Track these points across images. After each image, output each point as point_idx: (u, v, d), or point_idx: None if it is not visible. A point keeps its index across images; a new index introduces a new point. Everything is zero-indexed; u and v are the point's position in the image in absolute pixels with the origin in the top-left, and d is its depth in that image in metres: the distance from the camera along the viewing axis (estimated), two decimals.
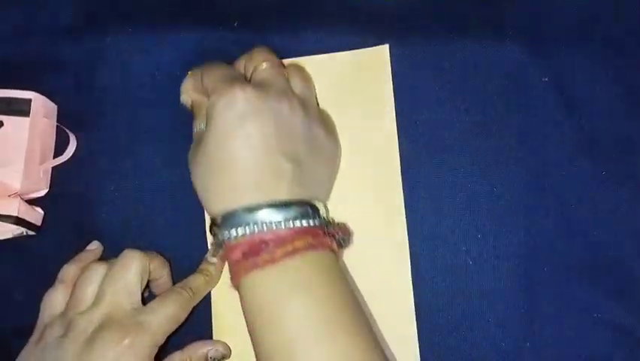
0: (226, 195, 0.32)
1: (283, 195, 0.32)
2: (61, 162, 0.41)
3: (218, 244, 0.33)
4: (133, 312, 0.33)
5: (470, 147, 0.40)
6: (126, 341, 0.32)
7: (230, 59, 0.40)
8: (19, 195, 0.39)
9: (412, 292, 0.38)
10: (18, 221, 0.38)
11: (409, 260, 0.39)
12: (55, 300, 0.36)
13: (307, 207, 0.33)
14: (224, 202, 0.32)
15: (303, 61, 0.40)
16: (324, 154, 0.36)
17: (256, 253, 0.31)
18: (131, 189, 0.41)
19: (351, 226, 0.38)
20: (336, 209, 0.38)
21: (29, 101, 0.39)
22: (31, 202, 0.40)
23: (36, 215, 0.40)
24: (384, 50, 0.40)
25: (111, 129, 0.41)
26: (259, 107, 0.32)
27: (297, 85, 0.36)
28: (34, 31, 0.43)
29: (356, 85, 0.40)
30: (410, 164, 0.40)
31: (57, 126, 0.42)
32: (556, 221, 0.39)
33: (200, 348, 0.37)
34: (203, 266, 0.38)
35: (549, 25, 0.41)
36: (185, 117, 0.40)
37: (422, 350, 0.38)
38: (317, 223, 0.33)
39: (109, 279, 0.34)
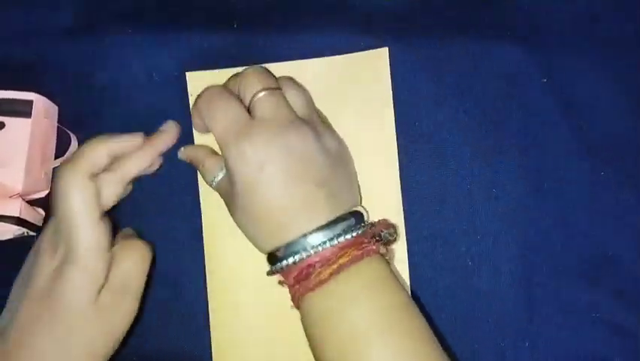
0: (272, 235, 0.33)
1: (323, 219, 0.33)
2: None
3: (275, 272, 0.34)
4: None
5: (469, 147, 0.40)
6: (58, 254, 0.33)
7: (229, 60, 0.40)
8: (21, 196, 0.39)
9: (411, 293, 0.38)
10: (19, 222, 0.38)
11: (407, 260, 0.39)
12: None
13: (349, 219, 0.33)
14: (272, 242, 0.33)
15: (304, 63, 0.40)
16: (343, 160, 0.36)
17: (306, 277, 0.32)
18: (131, 189, 0.41)
19: None
20: None
21: (31, 102, 0.39)
22: (33, 203, 0.40)
23: (37, 216, 0.40)
24: (383, 52, 0.40)
25: (111, 130, 0.41)
26: (271, 151, 0.33)
27: (295, 102, 0.35)
28: (35, 32, 0.43)
29: (355, 88, 0.40)
30: (409, 165, 0.40)
31: (58, 127, 0.42)
32: (555, 221, 0.39)
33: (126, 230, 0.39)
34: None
35: (548, 26, 0.41)
36: (184, 118, 0.41)
37: None
38: (359, 232, 0.33)
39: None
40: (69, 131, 0.41)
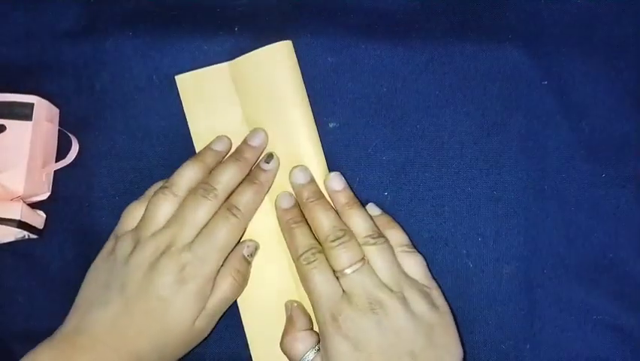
0: None
1: None
2: (63, 165, 0.41)
3: None
4: (190, 244, 0.35)
5: (470, 150, 0.40)
6: (184, 272, 0.35)
7: None
8: (22, 199, 0.39)
9: None
10: (20, 224, 0.38)
11: None
12: (134, 214, 0.38)
13: None
14: None
15: (221, 67, 0.40)
16: (439, 325, 0.35)
17: None
18: (132, 192, 0.41)
19: None
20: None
21: (32, 105, 0.39)
22: (34, 206, 0.40)
23: (38, 218, 0.40)
24: (287, 45, 0.39)
25: (111, 132, 0.42)
26: (363, 331, 0.34)
27: (381, 269, 0.36)
28: (36, 34, 0.43)
29: (266, 83, 0.39)
30: (411, 167, 0.40)
31: (59, 130, 0.42)
32: (556, 223, 0.39)
33: (234, 253, 0.38)
34: (254, 172, 0.38)
35: (549, 28, 0.41)
36: (184, 121, 0.41)
37: None
38: None
39: (180, 213, 0.36)
40: (70, 134, 0.41)
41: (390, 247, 0.37)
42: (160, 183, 0.38)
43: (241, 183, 0.38)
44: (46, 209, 0.41)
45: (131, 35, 0.42)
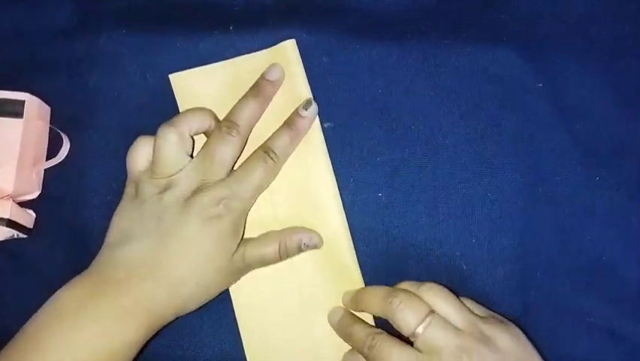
0: None
1: None
2: (54, 164, 0.41)
3: None
4: (225, 180, 0.36)
5: (464, 152, 0.40)
6: (220, 206, 0.35)
7: None
8: (11, 198, 0.38)
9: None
10: (10, 223, 0.38)
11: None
12: (141, 153, 0.37)
13: None
14: None
15: (217, 67, 0.40)
16: (523, 354, 0.34)
17: None
18: (123, 191, 0.40)
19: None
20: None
21: (23, 102, 0.39)
22: (23, 204, 0.40)
23: (28, 217, 0.40)
24: (291, 44, 0.40)
25: (103, 131, 0.41)
26: None
27: (451, 315, 0.34)
28: (28, 32, 0.43)
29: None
30: (405, 168, 0.40)
31: (50, 128, 0.41)
32: (550, 226, 0.39)
33: (296, 234, 0.38)
34: (291, 118, 0.38)
35: (544, 30, 0.41)
36: None
37: None
38: None
39: (207, 151, 0.37)
40: (61, 132, 0.41)
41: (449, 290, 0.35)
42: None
43: (279, 128, 0.38)
44: (36, 208, 0.41)
45: (124, 33, 0.42)
